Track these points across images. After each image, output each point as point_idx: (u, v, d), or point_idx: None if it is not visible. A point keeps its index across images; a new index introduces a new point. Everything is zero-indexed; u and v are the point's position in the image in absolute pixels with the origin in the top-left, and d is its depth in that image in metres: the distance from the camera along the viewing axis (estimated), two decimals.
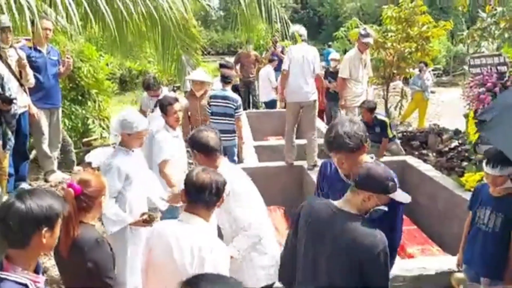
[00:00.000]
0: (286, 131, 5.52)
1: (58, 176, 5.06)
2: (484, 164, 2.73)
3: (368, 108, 5.33)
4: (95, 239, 2.15)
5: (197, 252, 1.98)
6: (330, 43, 16.32)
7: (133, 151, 3.21)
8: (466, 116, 5.15)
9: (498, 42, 5.81)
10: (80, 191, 2.20)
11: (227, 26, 23.22)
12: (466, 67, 5.91)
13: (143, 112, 6.11)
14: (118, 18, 4.34)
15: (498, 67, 4.49)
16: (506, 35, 5.59)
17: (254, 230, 2.55)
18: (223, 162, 2.79)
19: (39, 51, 4.81)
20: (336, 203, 2.10)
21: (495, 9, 5.99)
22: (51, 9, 4.14)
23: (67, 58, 5.04)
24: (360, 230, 1.96)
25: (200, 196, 2.10)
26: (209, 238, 2.08)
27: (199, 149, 2.73)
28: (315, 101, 5.29)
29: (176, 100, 4.09)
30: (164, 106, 4.01)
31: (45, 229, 1.59)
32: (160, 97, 5.58)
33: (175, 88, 6.09)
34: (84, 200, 2.22)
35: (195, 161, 2.94)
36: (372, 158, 2.38)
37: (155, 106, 5.86)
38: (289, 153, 5.48)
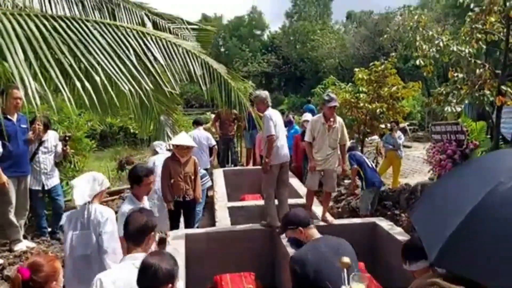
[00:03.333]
0: (267, 195, 5.39)
1: (23, 245, 4.97)
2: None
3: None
4: None
5: None
6: (309, 98, 16.80)
7: None
8: (432, 179, 5.28)
9: (460, 107, 6.04)
10: (28, 276, 2.18)
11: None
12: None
13: None
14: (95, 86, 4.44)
15: (457, 135, 4.68)
16: (467, 101, 5.82)
17: None
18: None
19: (9, 120, 4.85)
20: None
21: (457, 76, 6.25)
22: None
23: (38, 125, 5.08)
24: None
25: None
26: None
27: (125, 232, 2.67)
28: (289, 160, 5.52)
29: (151, 172, 3.89)
30: (140, 177, 3.75)
31: None
32: (45, 138, 5.41)
33: (67, 138, 5.72)
34: (32, 286, 2.18)
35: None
36: None
37: (37, 148, 5.40)
38: (274, 214, 5.33)
